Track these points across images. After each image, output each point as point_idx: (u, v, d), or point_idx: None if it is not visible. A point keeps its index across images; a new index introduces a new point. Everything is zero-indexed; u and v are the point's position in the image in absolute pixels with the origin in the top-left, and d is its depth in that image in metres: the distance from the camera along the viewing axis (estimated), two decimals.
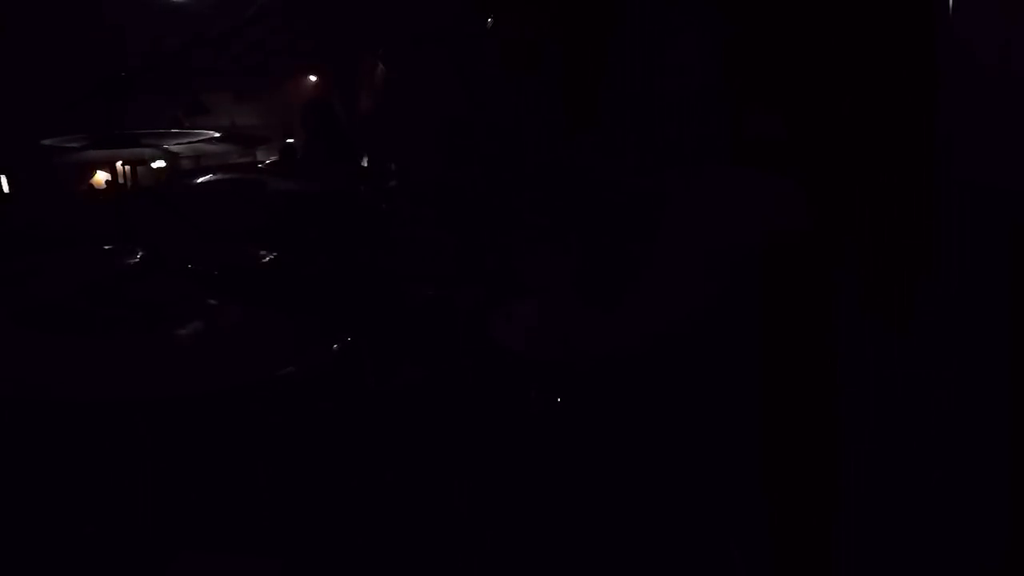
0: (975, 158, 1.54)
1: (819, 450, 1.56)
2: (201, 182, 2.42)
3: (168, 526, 2.37)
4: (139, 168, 2.52)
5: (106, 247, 1.57)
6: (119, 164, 2.77)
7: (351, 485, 2.59)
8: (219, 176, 2.45)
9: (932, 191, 1.51)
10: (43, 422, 2.75)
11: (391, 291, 2.92)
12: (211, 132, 2.62)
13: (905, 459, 1.59)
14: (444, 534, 2.32)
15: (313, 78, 5.35)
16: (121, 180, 2.96)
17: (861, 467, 1.56)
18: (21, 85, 3.64)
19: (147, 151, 2.12)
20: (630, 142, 2.71)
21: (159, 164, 3.30)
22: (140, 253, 1.43)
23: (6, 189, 3.76)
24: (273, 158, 2.53)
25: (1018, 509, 1.47)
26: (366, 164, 4.82)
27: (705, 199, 1.48)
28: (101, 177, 4.01)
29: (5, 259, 1.48)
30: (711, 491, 1.62)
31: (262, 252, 1.69)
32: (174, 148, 2.11)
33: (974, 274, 1.50)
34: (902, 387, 1.57)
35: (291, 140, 2.47)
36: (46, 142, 2.09)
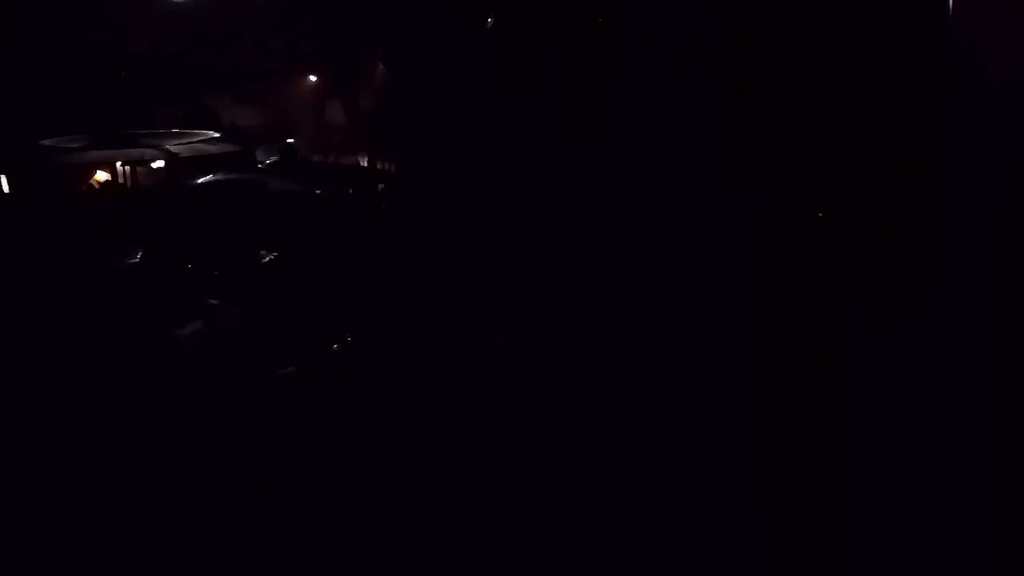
0: (975, 159, 1.54)
1: (819, 450, 1.56)
2: (201, 182, 2.42)
3: (168, 526, 2.37)
4: (139, 168, 2.52)
5: (106, 247, 1.57)
6: (119, 164, 2.77)
7: (351, 485, 2.59)
8: (219, 176, 2.45)
9: (932, 191, 1.51)
10: (43, 422, 2.76)
11: (391, 292, 2.92)
12: (211, 132, 2.62)
13: (905, 459, 1.59)
14: (444, 534, 2.32)
15: (313, 78, 5.35)
16: (121, 180, 2.96)
17: (861, 467, 1.56)
18: (21, 85, 3.64)
19: (147, 152, 2.12)
20: (628, 142, 2.71)
21: (159, 164, 3.30)
22: (140, 253, 1.43)
23: (6, 189, 3.76)
24: (273, 158, 2.52)
25: (1016, 508, 1.47)
26: (365, 163, 4.82)
27: (603, 192, 1.52)
28: (101, 177, 4.02)
29: (5, 259, 1.47)
30: (711, 491, 1.62)
31: (262, 252, 1.69)
32: (174, 148, 2.11)
33: (974, 275, 1.50)
34: (902, 387, 1.57)
35: (291, 140, 2.46)
36: (46, 142, 2.09)
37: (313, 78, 5.35)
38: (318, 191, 2.47)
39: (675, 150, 1.51)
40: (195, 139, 2.35)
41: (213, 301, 1.33)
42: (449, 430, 2.74)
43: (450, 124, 3.91)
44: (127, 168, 2.63)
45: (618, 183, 1.49)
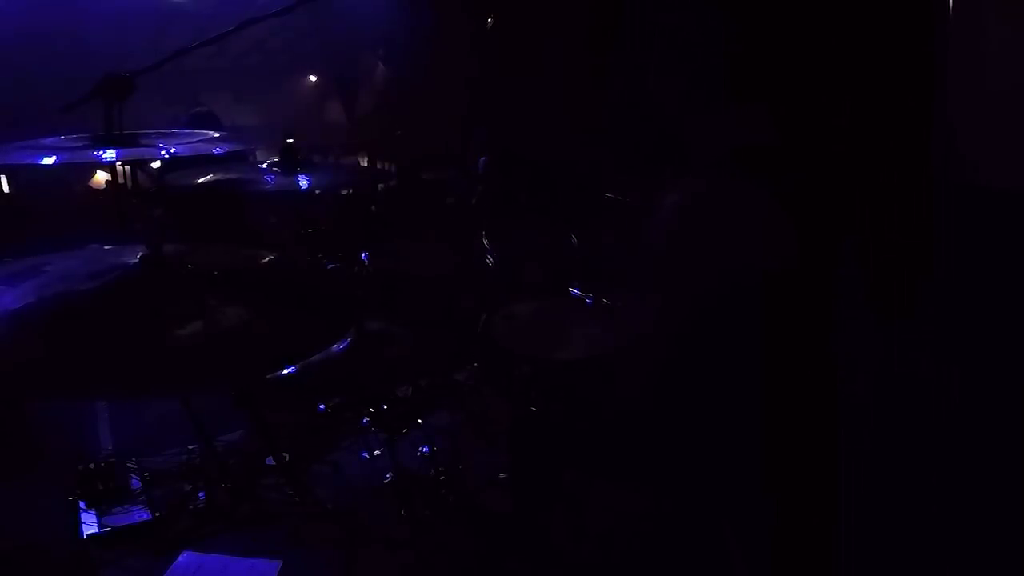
0: (975, 159, 1.54)
1: (819, 450, 1.56)
2: (200, 182, 2.42)
3: (168, 526, 2.38)
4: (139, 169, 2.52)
5: (106, 247, 1.57)
6: (119, 164, 2.77)
7: (352, 485, 2.60)
8: (219, 176, 2.45)
9: (931, 191, 1.51)
10: (42, 421, 2.76)
11: (393, 292, 2.93)
12: (211, 132, 2.61)
13: (905, 459, 1.59)
14: (444, 533, 2.32)
15: (313, 78, 5.35)
16: (121, 180, 2.96)
17: (861, 467, 1.56)
18: (20, 85, 3.64)
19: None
20: (629, 141, 2.71)
21: (157, 164, 3.30)
22: (140, 253, 1.43)
23: (6, 189, 3.76)
24: (273, 158, 2.52)
25: (1018, 510, 1.48)
26: (365, 163, 4.81)
27: (703, 213, 1.49)
28: (101, 177, 4.02)
29: (5, 259, 1.47)
30: (712, 490, 1.62)
31: (262, 252, 1.69)
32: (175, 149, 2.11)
33: (974, 275, 1.50)
34: (902, 387, 1.57)
35: (291, 140, 2.46)
36: (46, 142, 2.09)
37: (313, 78, 5.35)
38: (318, 191, 2.47)
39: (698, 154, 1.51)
40: (195, 139, 2.35)
41: (213, 301, 1.33)
42: (450, 429, 2.74)
43: (450, 124, 3.91)
44: (127, 168, 2.63)
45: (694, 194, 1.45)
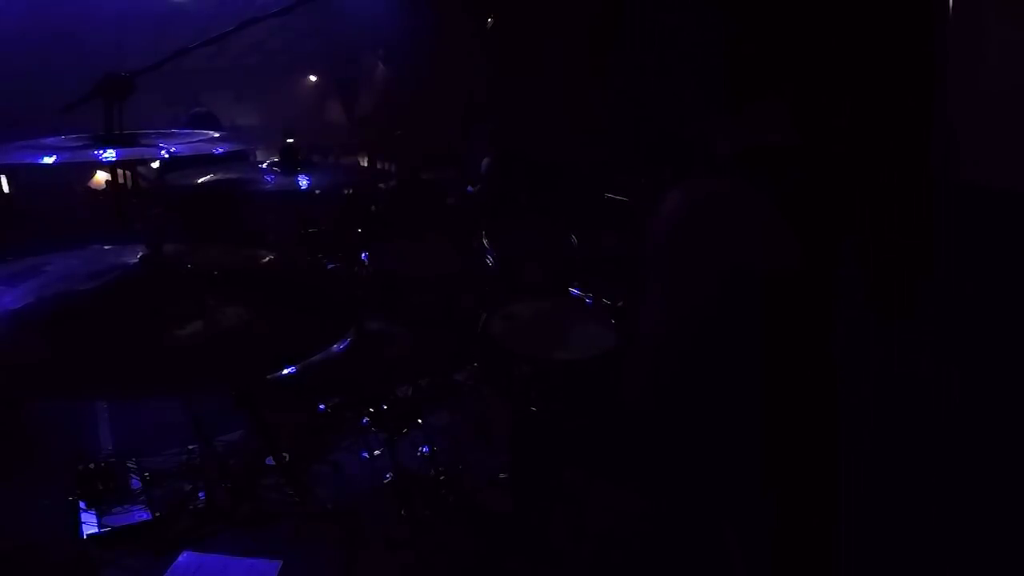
0: (975, 159, 1.54)
1: (819, 450, 1.56)
2: (201, 182, 2.42)
3: (168, 526, 2.38)
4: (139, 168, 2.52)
5: (106, 247, 1.57)
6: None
7: (352, 485, 2.60)
8: (219, 176, 2.45)
9: (931, 191, 1.51)
10: (42, 421, 2.75)
11: (393, 292, 2.93)
12: (211, 132, 2.61)
13: (905, 459, 1.59)
14: (444, 533, 2.32)
15: (313, 78, 5.35)
16: (121, 180, 2.96)
17: (861, 467, 1.56)
18: (20, 85, 3.64)
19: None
20: (629, 141, 2.71)
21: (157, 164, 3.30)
22: (140, 253, 1.43)
23: (6, 189, 3.76)
24: (273, 158, 2.52)
25: (1018, 510, 1.48)
26: (365, 163, 4.81)
27: (704, 219, 1.49)
28: (101, 177, 4.02)
29: (5, 259, 1.47)
30: (712, 491, 1.62)
31: (262, 252, 1.69)
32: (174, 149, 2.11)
33: (974, 275, 1.50)
34: (902, 387, 1.57)
35: (291, 140, 2.46)
36: (46, 142, 2.09)
37: (313, 78, 5.36)
38: (318, 191, 2.46)
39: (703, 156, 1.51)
40: (195, 139, 2.34)
41: (213, 301, 1.33)
42: (450, 429, 2.74)
43: (450, 124, 3.91)
44: (127, 169, 2.63)
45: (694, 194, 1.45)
